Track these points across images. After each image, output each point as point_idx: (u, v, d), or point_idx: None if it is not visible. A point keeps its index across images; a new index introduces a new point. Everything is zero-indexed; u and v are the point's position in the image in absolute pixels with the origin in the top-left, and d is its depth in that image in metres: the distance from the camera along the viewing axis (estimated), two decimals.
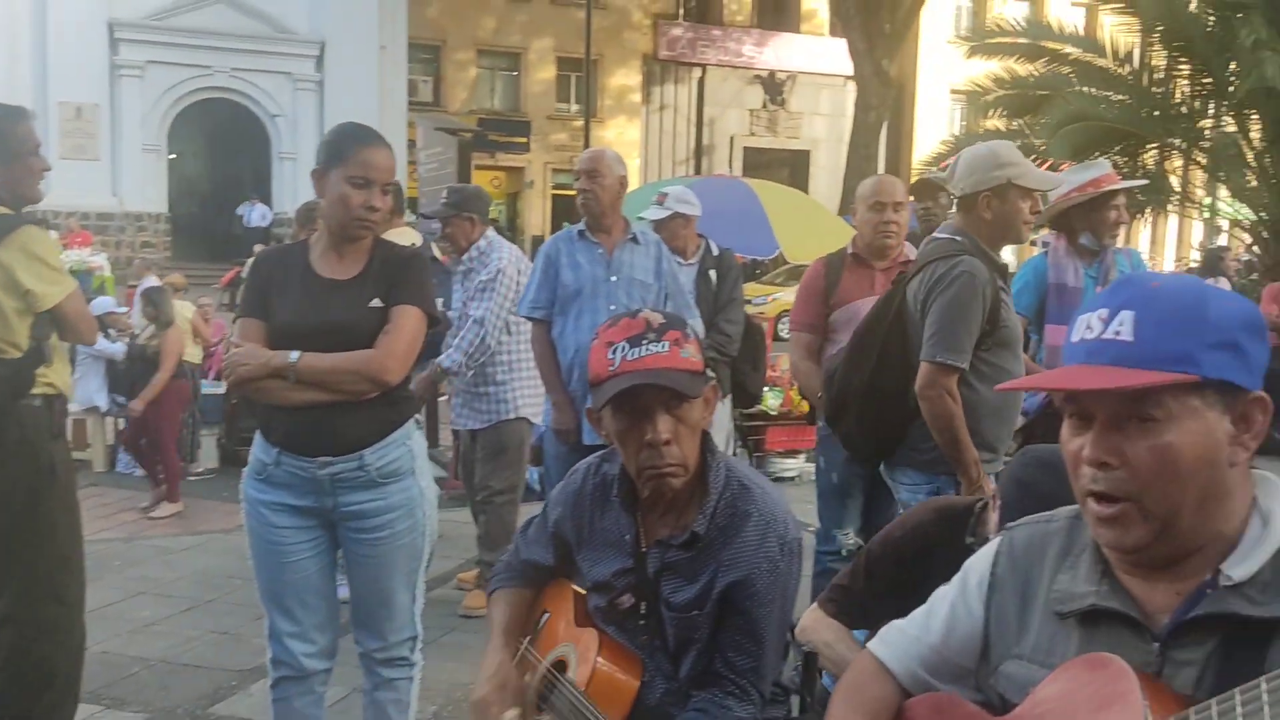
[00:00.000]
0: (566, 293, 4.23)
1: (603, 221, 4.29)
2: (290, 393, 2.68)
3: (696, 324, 5.03)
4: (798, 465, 7.92)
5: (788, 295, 19.17)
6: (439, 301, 5.18)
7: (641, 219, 5.27)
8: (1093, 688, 1.25)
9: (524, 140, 28.08)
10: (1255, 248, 12.46)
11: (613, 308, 4.14)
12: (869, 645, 1.65)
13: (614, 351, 1.96)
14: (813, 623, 2.58)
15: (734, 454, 6.65)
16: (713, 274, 5.27)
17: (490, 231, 4.87)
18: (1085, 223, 3.96)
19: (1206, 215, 15.51)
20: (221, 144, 24.81)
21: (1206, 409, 1.24)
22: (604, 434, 2.06)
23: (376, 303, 2.74)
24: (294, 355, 2.66)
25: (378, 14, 24.26)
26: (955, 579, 1.57)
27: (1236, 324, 1.24)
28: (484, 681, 2.13)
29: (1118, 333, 1.24)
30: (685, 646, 2.07)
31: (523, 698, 2.15)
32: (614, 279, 4.25)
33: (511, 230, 28.74)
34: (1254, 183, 11.75)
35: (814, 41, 31.51)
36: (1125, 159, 12.20)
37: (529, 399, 4.82)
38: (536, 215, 29.56)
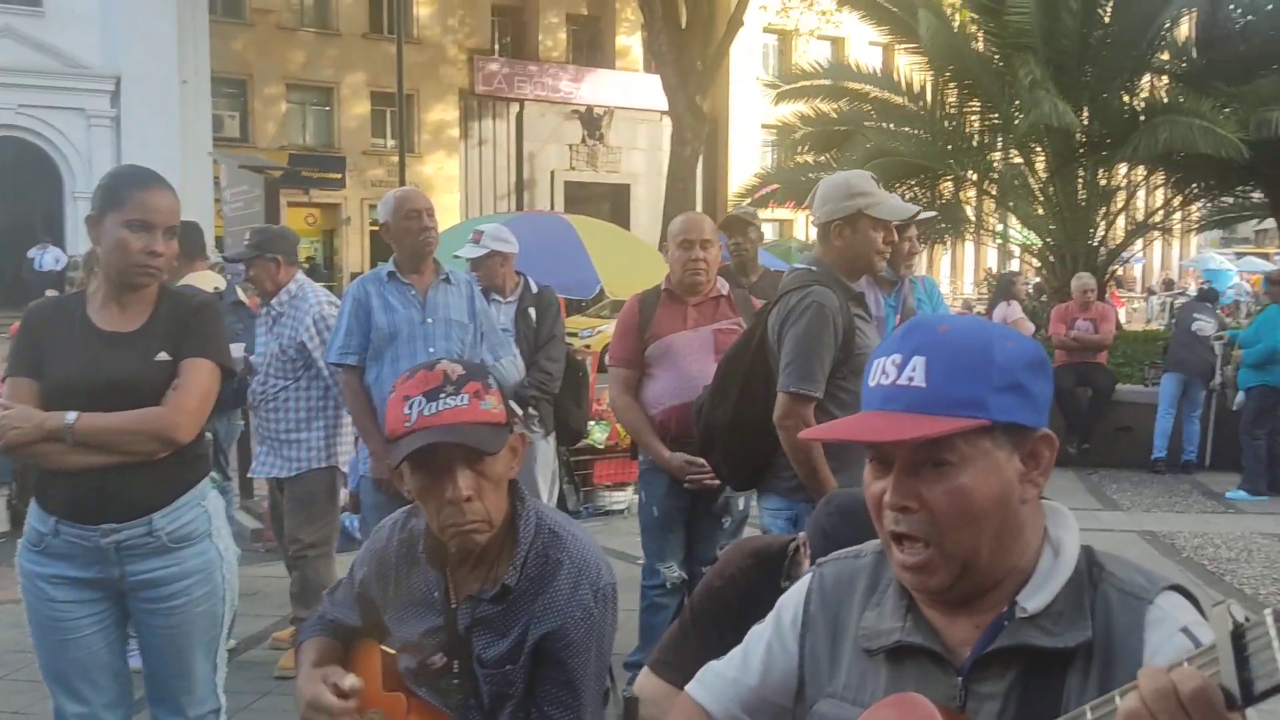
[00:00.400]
0: (381, 336, 4.11)
1: (421, 262, 4.19)
2: (69, 456, 2.49)
3: (517, 362, 4.99)
4: (626, 498, 7.92)
5: (609, 328, 19.36)
6: (241, 347, 4.99)
7: (458, 257, 5.19)
8: None
9: (339, 176, 27.47)
10: (1043, 271, 13.29)
11: (431, 350, 4.05)
12: (688, 688, 1.63)
13: (410, 406, 1.88)
14: (650, 693, 2.57)
15: (560, 491, 6.60)
16: (532, 311, 5.23)
17: (299, 274, 4.70)
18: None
19: (999, 242, 16.45)
20: (9, 184, 23.27)
21: (996, 450, 1.28)
22: (405, 490, 1.99)
23: (164, 356, 2.58)
24: (70, 416, 2.48)
25: (177, 48, 23.26)
26: (769, 617, 1.58)
27: (1020, 365, 1.29)
28: (302, 690, 1.98)
29: (911, 379, 1.27)
30: (500, 703, 2.01)
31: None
32: (430, 320, 4.16)
33: (329, 268, 27.98)
34: (1040, 211, 12.54)
35: (629, 77, 32.05)
36: (924, 190, 12.87)
37: (341, 447, 4.66)
38: (355, 252, 28.89)
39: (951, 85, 13.05)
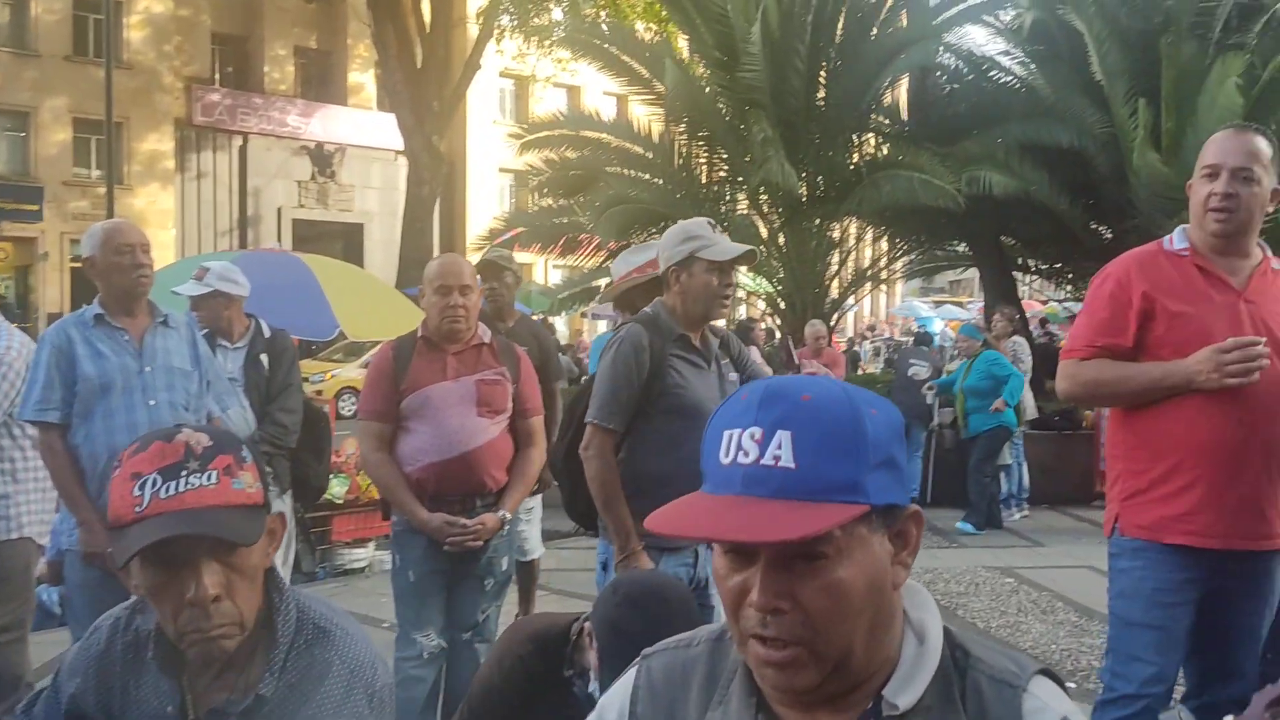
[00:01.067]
0: (90, 388, 3.56)
1: (134, 304, 3.69)
2: None
3: (246, 414, 4.54)
4: (367, 554, 7.48)
5: (348, 372, 18.56)
6: None
7: (176, 294, 4.68)
8: None
9: (35, 207, 25.08)
10: (775, 317, 13.85)
11: (152, 403, 3.57)
12: None
13: (141, 486, 1.53)
14: None
15: (296, 551, 6.09)
16: (264, 358, 4.79)
17: None
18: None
19: None
20: None
21: (871, 534, 1.13)
22: (132, 586, 1.63)
23: None
24: None
25: None
26: (592, 717, 1.36)
27: (889, 437, 1.15)
28: None
29: (777, 458, 1.09)
30: None
31: None
32: (148, 369, 3.66)
33: (23, 308, 25.35)
34: (772, 260, 13.05)
35: (362, 115, 31.17)
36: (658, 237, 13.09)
37: (36, 513, 4.04)
38: (53, 290, 26.35)
39: (686, 136, 13.44)
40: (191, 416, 3.77)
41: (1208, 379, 2.63)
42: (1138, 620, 2.79)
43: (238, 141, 29.49)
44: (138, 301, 3.71)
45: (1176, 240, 2.85)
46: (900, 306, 36.03)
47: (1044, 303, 22.77)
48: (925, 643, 1.19)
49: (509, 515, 3.78)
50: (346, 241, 30.15)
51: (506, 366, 3.84)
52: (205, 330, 4.40)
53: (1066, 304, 15.51)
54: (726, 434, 1.13)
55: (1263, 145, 2.76)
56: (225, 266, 4.75)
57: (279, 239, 28.78)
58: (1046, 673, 1.19)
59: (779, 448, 1.09)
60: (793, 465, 1.09)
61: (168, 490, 1.53)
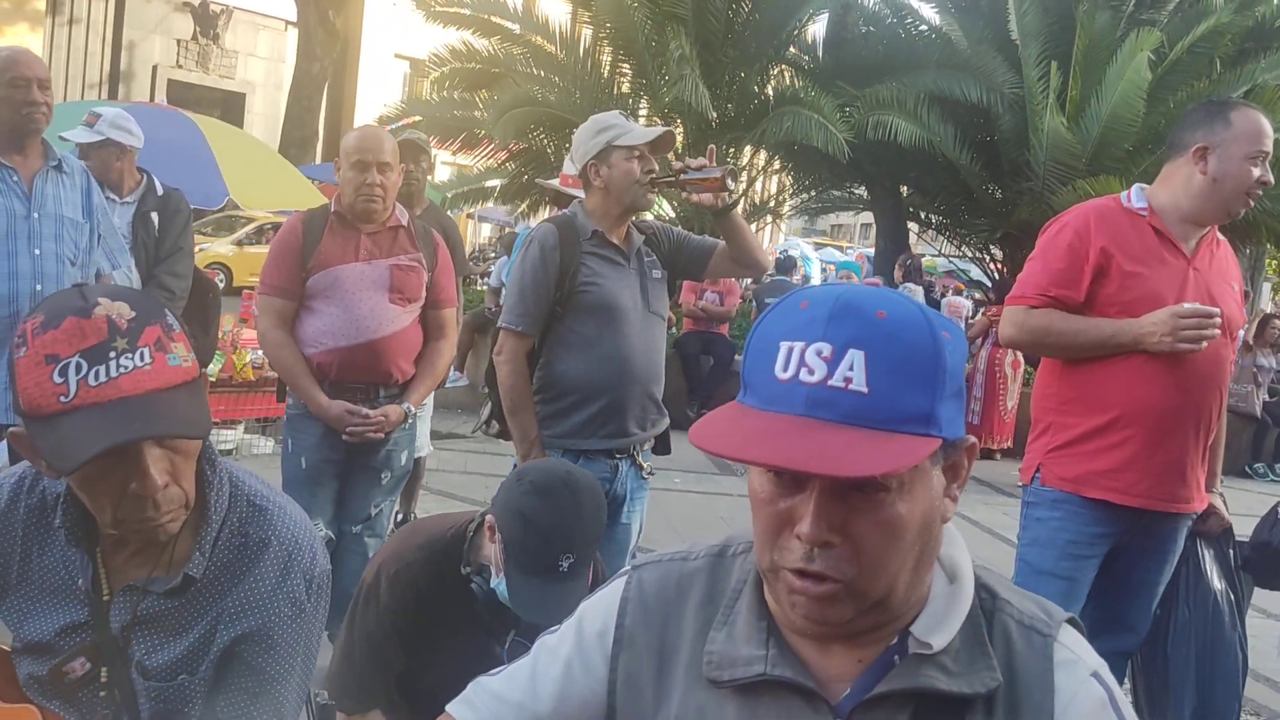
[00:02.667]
0: None
1: (26, 142, 3.37)
2: None
3: (131, 275, 4.24)
4: (236, 437, 7.20)
5: (220, 246, 17.76)
6: None
7: (65, 140, 4.31)
8: None
9: None
10: None
11: (37, 252, 3.29)
12: (453, 710, 1.27)
13: (63, 371, 1.31)
14: None
15: None
16: (154, 217, 4.46)
17: None
18: None
19: None
20: None
21: (932, 468, 1.04)
22: (47, 469, 1.43)
23: None
24: None
25: None
26: (566, 628, 1.25)
27: (961, 364, 1.05)
28: None
29: (848, 380, 0.98)
30: None
31: None
32: (36, 215, 3.36)
33: None
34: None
35: None
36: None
37: None
38: None
39: (606, 44, 13.08)
40: (79, 271, 3.50)
41: (1160, 341, 2.65)
42: (1047, 569, 2.84)
43: None
44: (29, 140, 3.40)
45: (1135, 198, 2.85)
46: (782, 244, 36.44)
47: (923, 256, 23.26)
48: (957, 581, 1.12)
49: (413, 409, 3.62)
50: (225, 110, 28.57)
51: (423, 253, 3.65)
52: (94, 181, 4.06)
53: (953, 259, 15.83)
54: (785, 345, 1.02)
55: None
56: (119, 114, 4.38)
57: (152, 98, 27.21)
58: (1073, 621, 1.14)
59: (850, 369, 0.98)
60: (865, 390, 0.98)
61: (96, 376, 1.31)
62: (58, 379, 1.31)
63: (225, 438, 7.15)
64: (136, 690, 1.53)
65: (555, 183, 5.09)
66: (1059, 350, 2.85)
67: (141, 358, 1.34)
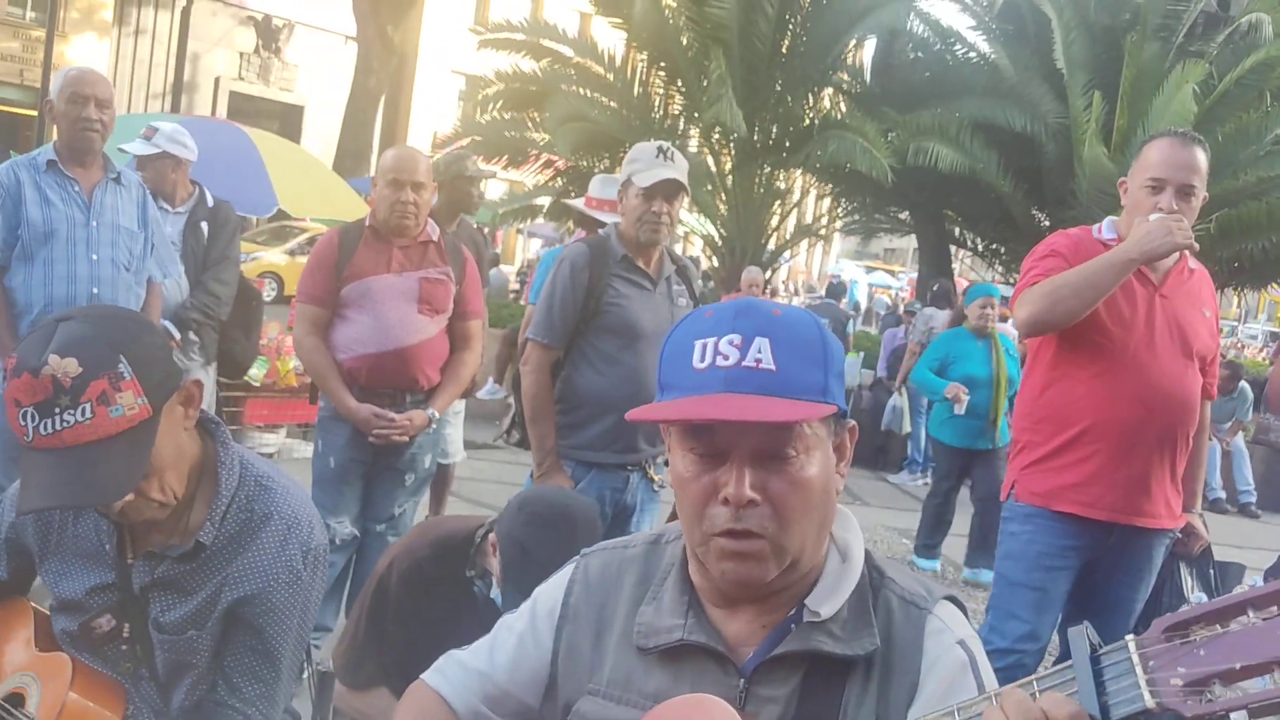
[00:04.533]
0: (34, 234, 3.49)
1: (85, 156, 3.62)
2: None
3: (181, 281, 4.48)
4: (278, 440, 7.43)
5: (271, 256, 18.19)
6: None
7: (123, 151, 4.56)
8: None
9: None
10: (714, 260, 13.90)
11: (95, 257, 3.52)
12: (426, 677, 1.47)
13: (24, 417, 1.51)
14: (341, 700, 2.38)
15: None
16: (204, 226, 4.68)
17: None
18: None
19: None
20: None
21: (826, 439, 1.24)
22: None
23: None
24: None
25: None
26: (523, 609, 1.44)
27: (841, 355, 1.26)
28: None
29: (759, 360, 1.18)
30: (178, 673, 1.74)
31: None
32: (94, 223, 3.60)
33: None
34: (718, 202, 13.07)
35: None
36: (615, 165, 13.03)
37: None
38: None
39: (647, 63, 13.30)
40: (133, 277, 3.74)
41: (1161, 243, 2.70)
42: (1019, 580, 2.97)
43: (182, 2, 28.33)
44: (86, 154, 3.64)
45: (1106, 230, 2.98)
46: (833, 267, 36.42)
47: (972, 281, 23.21)
48: (848, 560, 1.29)
49: (437, 415, 3.79)
50: (283, 122, 29.26)
51: (452, 266, 3.82)
52: (149, 192, 4.29)
53: (997, 284, 15.79)
54: (699, 343, 1.21)
55: (1202, 158, 2.88)
56: (175, 128, 4.61)
57: (214, 110, 27.90)
58: (952, 599, 1.30)
59: (759, 352, 1.18)
60: (773, 367, 1.18)
61: (45, 428, 1.51)
62: (20, 422, 1.52)
63: (267, 441, 7.39)
64: (153, 644, 1.72)
65: (580, 204, 5.25)
66: (1074, 296, 2.77)
67: (83, 413, 1.50)
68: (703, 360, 1.20)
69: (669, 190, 3.35)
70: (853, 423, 1.29)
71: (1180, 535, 3.00)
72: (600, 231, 3.59)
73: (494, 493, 6.78)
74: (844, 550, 1.30)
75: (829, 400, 1.20)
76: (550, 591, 1.42)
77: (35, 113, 20.06)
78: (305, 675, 2.43)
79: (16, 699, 1.71)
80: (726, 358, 1.19)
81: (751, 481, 1.18)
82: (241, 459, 1.76)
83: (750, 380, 1.17)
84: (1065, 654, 1.00)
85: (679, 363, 1.23)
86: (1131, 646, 0.94)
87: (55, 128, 3.65)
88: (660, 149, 3.41)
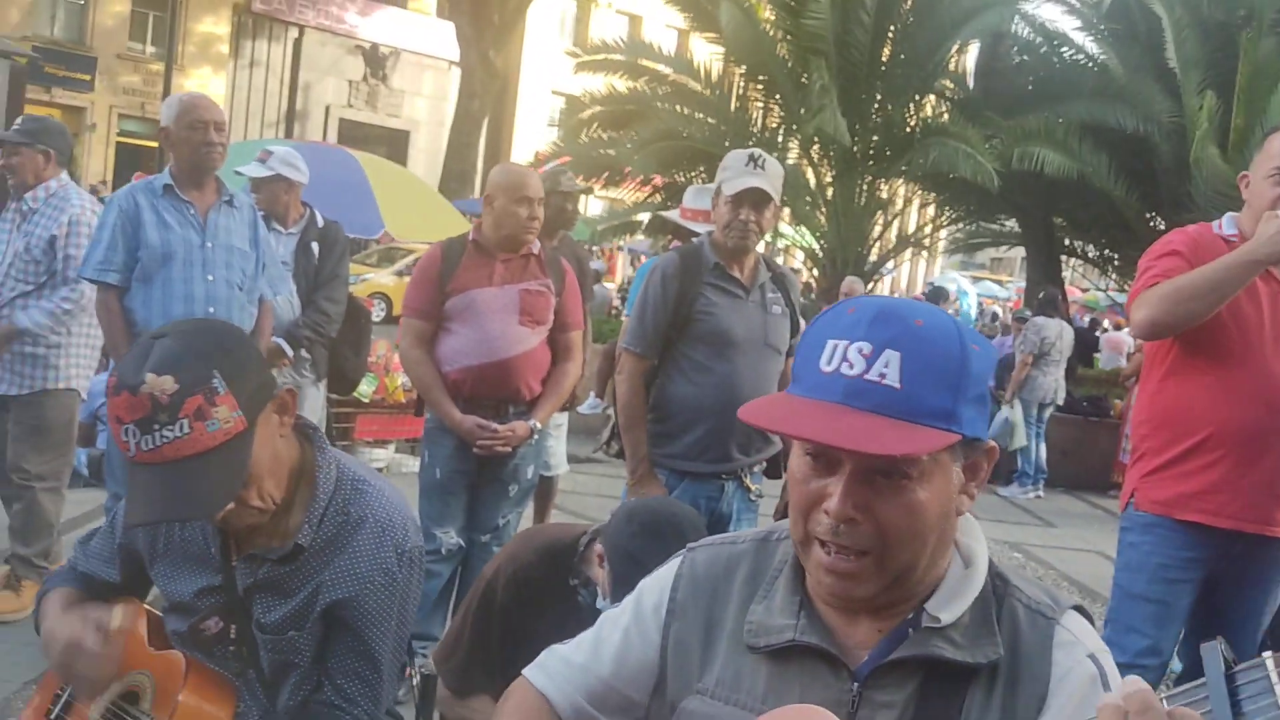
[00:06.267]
0: (153, 256, 3.65)
1: (203, 179, 3.77)
2: None
3: (293, 300, 4.62)
4: (387, 456, 7.60)
5: (381, 277, 18.63)
6: None
7: (240, 174, 4.74)
8: None
9: (88, 77, 25.06)
10: (815, 271, 13.79)
11: (211, 278, 3.66)
12: (528, 673, 1.46)
13: (126, 433, 1.57)
14: (449, 709, 2.44)
15: None
16: (315, 246, 4.83)
17: (65, 175, 4.25)
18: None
19: (770, 239, 16.97)
20: None
21: (951, 463, 1.18)
22: None
23: None
24: None
25: None
26: (627, 602, 1.43)
27: (987, 374, 1.20)
28: (57, 632, 1.76)
29: (883, 375, 1.13)
30: (282, 673, 1.78)
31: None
32: (209, 245, 3.75)
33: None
34: (818, 213, 12.97)
35: (420, 20, 30.92)
36: (708, 179, 13.03)
37: (82, 368, 4.16)
38: (98, 163, 26.49)
39: (744, 77, 13.27)
40: (245, 296, 3.87)
41: None
42: (1139, 593, 2.84)
43: (293, 33, 29.34)
44: (206, 176, 3.79)
45: (1226, 226, 2.85)
46: (939, 278, 35.80)
47: (1085, 290, 22.55)
48: (971, 566, 1.24)
49: (540, 425, 3.84)
50: (391, 147, 30.05)
51: (552, 279, 3.87)
52: (262, 213, 4.45)
53: (1111, 293, 15.33)
54: (831, 343, 1.17)
55: None
56: (288, 152, 4.78)
57: (324, 136, 28.76)
58: (1080, 609, 1.24)
59: (886, 366, 1.13)
60: (897, 385, 1.13)
61: (145, 444, 1.55)
62: (123, 438, 1.57)
63: (377, 456, 7.56)
64: (258, 644, 1.77)
65: (675, 214, 5.27)
66: (1196, 299, 2.67)
67: (181, 429, 1.55)
68: (830, 363, 1.16)
69: (756, 198, 3.34)
70: (992, 444, 1.23)
71: None
72: (694, 240, 3.58)
73: (596, 506, 6.82)
74: (968, 557, 1.26)
75: (954, 428, 1.14)
76: (656, 586, 1.40)
77: (156, 144, 20.99)
78: (409, 676, 2.48)
79: (132, 697, 1.76)
80: (852, 366, 1.14)
81: (856, 500, 1.15)
82: (338, 463, 1.80)
83: (870, 395, 1.13)
84: (1189, 674, 0.93)
85: (810, 357, 1.19)
86: (1270, 664, 0.88)
87: (171, 154, 3.79)
88: (751, 157, 3.39)
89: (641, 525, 2.30)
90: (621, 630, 1.39)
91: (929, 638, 1.19)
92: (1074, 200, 12.24)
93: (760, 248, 3.55)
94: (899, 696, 1.18)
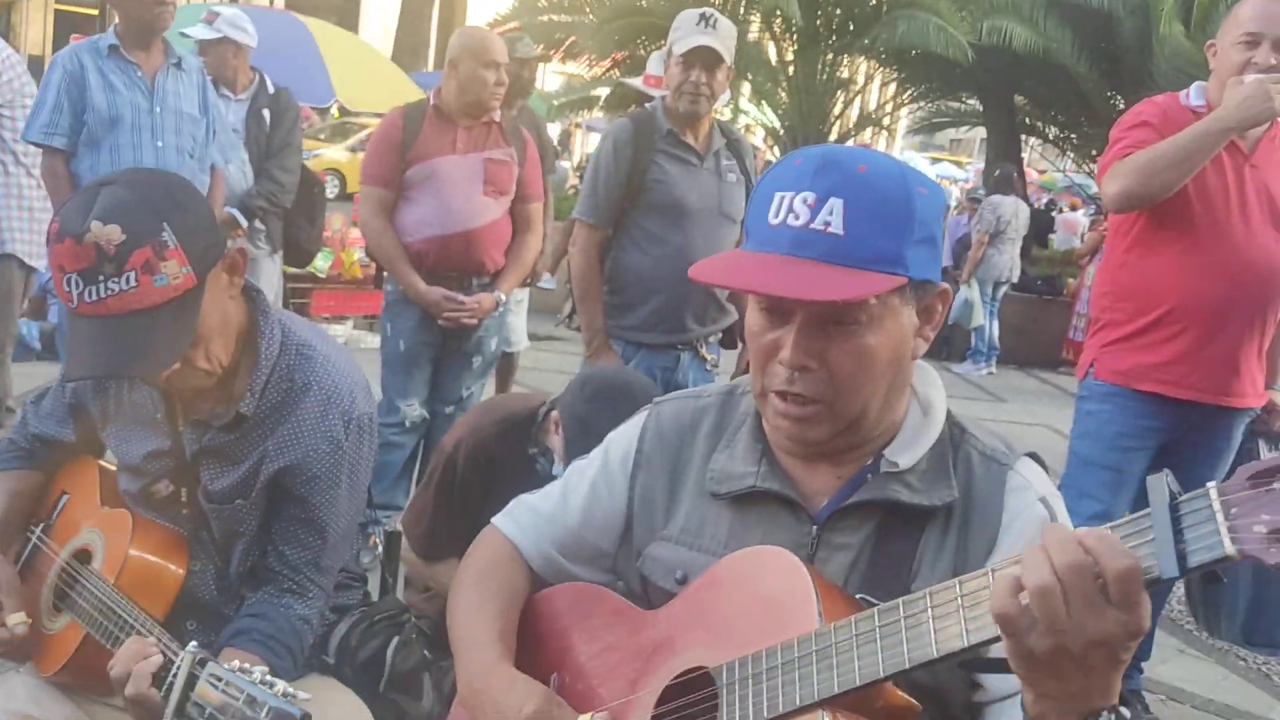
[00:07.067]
0: (99, 120, 3.52)
1: (150, 38, 3.62)
2: None
3: (245, 169, 4.51)
4: (344, 331, 7.55)
5: (334, 153, 18.21)
6: None
7: (185, 36, 4.56)
8: (761, 583, 1.16)
9: None
10: (775, 150, 13.65)
11: (160, 144, 3.55)
12: (497, 522, 1.49)
13: (67, 283, 1.49)
14: (417, 572, 2.45)
15: None
16: (266, 114, 4.69)
17: None
18: None
19: (729, 117, 16.72)
20: None
21: (902, 306, 1.20)
22: None
23: None
24: None
25: None
26: (594, 455, 1.45)
27: (934, 216, 1.19)
28: None
29: (827, 224, 1.14)
30: (231, 540, 1.76)
31: (29, 598, 1.73)
32: (158, 109, 3.62)
33: None
34: (780, 91, 12.75)
35: None
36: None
37: (24, 235, 4.04)
38: (35, 31, 25.35)
39: None
40: (197, 164, 3.77)
41: (1262, 109, 2.57)
42: (1095, 460, 2.92)
43: None
44: (154, 38, 3.65)
45: (1194, 96, 2.84)
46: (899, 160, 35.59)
47: (1042, 172, 22.56)
48: (929, 414, 1.27)
49: (504, 297, 3.81)
50: (341, 17, 28.97)
51: (514, 148, 3.79)
52: (210, 78, 4.29)
53: (1069, 174, 15.35)
54: (778, 195, 1.17)
55: None
56: (236, 14, 4.60)
57: (270, 2, 27.69)
58: (1034, 456, 1.28)
59: (830, 214, 1.14)
60: (841, 233, 1.13)
61: (90, 295, 1.48)
62: (65, 288, 1.50)
63: (335, 332, 7.50)
64: (205, 511, 1.74)
65: (638, 82, 5.15)
66: (1170, 168, 2.66)
67: (127, 282, 1.48)
68: (776, 216, 1.17)
69: (707, 59, 3.24)
70: (944, 286, 1.24)
71: (1261, 413, 2.93)
72: (646, 105, 3.48)
73: (557, 382, 6.77)
74: (925, 404, 1.28)
75: (900, 271, 1.14)
76: (623, 439, 1.42)
77: (96, 11, 20.14)
78: (373, 545, 2.50)
79: (85, 555, 1.75)
80: (798, 217, 1.15)
81: (808, 347, 1.17)
82: (284, 327, 1.73)
83: (816, 245, 1.14)
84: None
85: (760, 211, 1.20)
86: (1213, 494, 0.89)
87: (118, 12, 3.63)
88: (703, 15, 3.27)
89: (594, 392, 2.33)
90: (589, 481, 1.42)
91: (886, 482, 1.22)
92: (1037, 78, 12.13)
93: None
94: (855, 539, 1.22)
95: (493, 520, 1.49)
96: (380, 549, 2.34)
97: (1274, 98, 2.57)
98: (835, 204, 1.13)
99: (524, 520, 1.46)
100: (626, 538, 1.38)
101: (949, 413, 1.29)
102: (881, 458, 1.24)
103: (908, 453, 1.23)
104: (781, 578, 1.13)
